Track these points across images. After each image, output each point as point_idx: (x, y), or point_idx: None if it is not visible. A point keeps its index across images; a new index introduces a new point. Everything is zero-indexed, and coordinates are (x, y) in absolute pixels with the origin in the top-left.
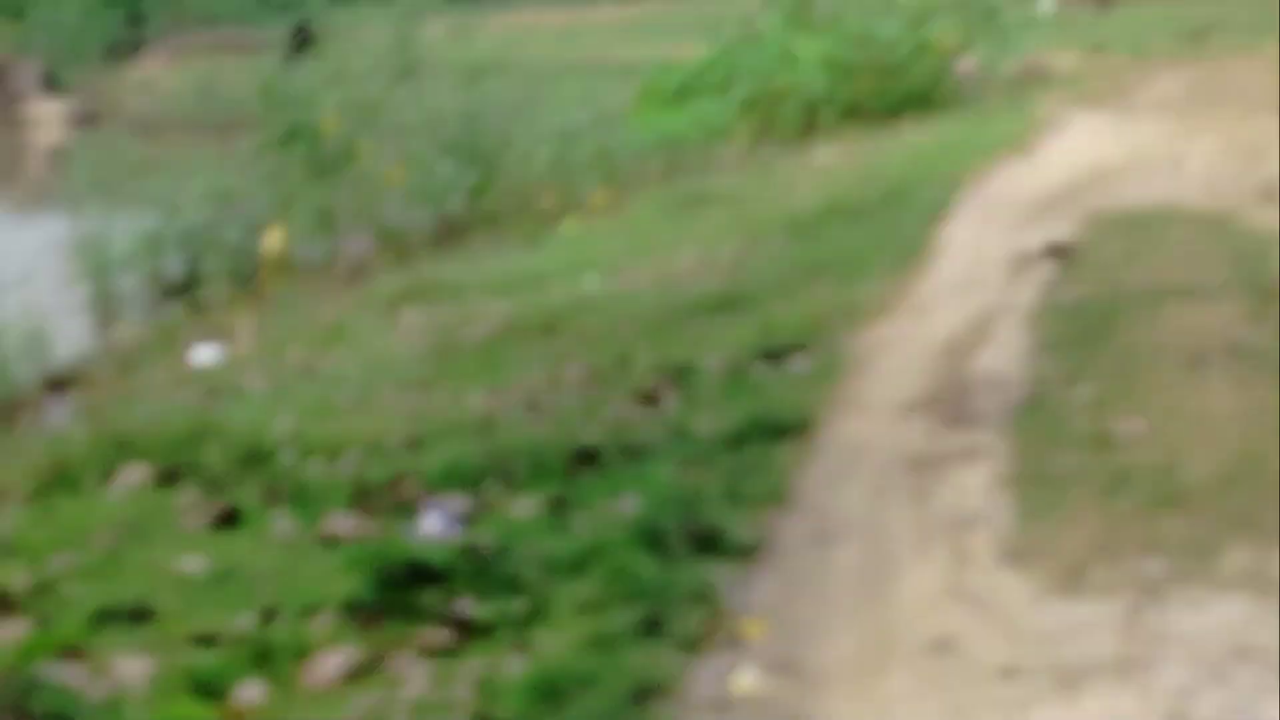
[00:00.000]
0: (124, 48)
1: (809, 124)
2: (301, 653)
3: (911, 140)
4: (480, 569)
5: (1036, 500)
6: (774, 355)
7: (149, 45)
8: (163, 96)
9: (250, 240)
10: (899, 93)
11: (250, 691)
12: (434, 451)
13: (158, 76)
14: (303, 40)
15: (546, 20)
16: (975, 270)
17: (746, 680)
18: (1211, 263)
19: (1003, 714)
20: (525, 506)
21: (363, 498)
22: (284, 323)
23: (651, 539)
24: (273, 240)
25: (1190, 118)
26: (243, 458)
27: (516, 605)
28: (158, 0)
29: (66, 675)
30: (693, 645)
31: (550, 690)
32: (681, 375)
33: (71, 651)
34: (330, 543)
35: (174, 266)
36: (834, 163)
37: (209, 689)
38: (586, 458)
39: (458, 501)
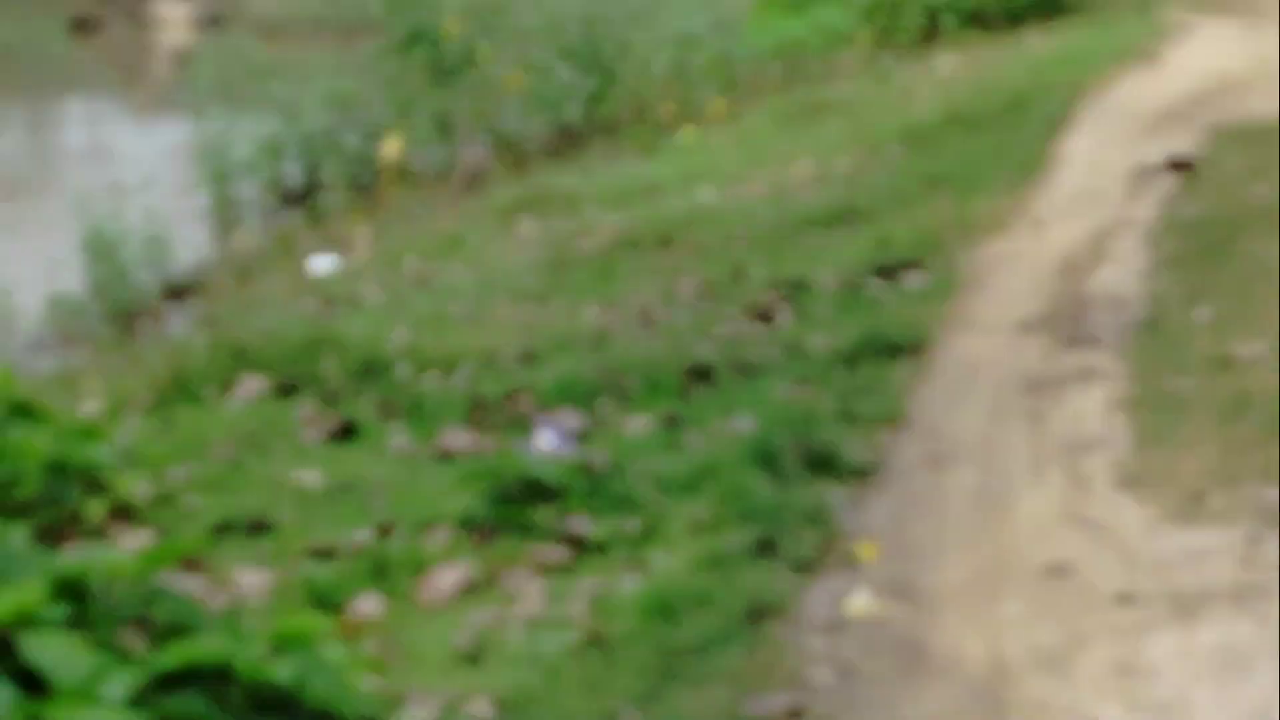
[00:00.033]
0: None
1: (930, 31)
2: (418, 567)
3: (1034, 48)
4: (594, 487)
5: (1155, 424)
6: (889, 271)
7: None
8: None
9: (369, 147)
10: None
11: (368, 604)
12: (548, 367)
13: None
14: None
15: None
16: (1095, 184)
17: (860, 602)
18: None
19: (1119, 640)
20: (639, 424)
21: (477, 413)
22: (401, 232)
23: (765, 459)
24: (391, 147)
25: None
26: (359, 370)
27: (630, 524)
28: None
29: (187, 586)
30: (807, 566)
31: (664, 608)
32: (796, 290)
33: (192, 563)
34: (445, 458)
35: (293, 173)
36: (954, 71)
37: (327, 601)
38: (700, 374)
39: (572, 418)
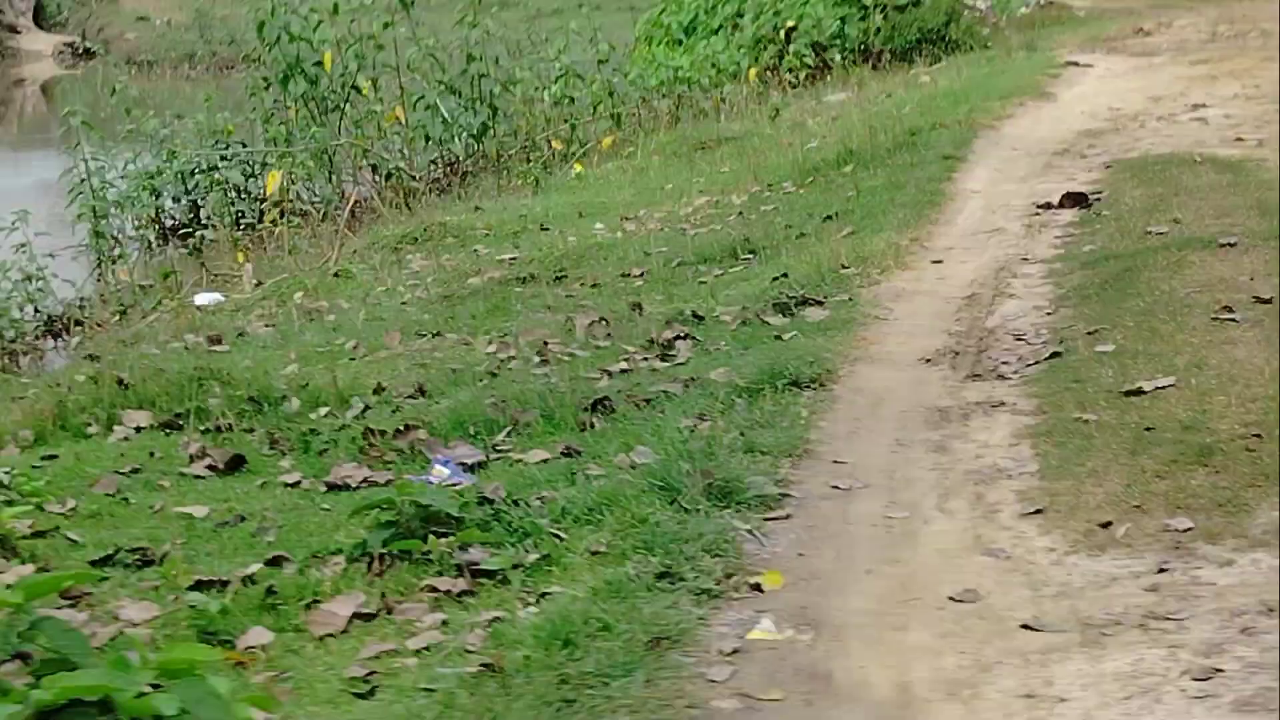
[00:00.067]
0: None
1: (819, 67)
2: (309, 599)
3: (925, 85)
4: (492, 517)
5: (1061, 455)
6: (788, 306)
7: None
8: (158, 31)
9: (250, 182)
10: (912, 33)
11: (257, 637)
12: (442, 400)
13: (153, 9)
14: None
15: None
16: (993, 220)
17: (764, 631)
18: (1236, 211)
19: (1026, 668)
20: (537, 457)
21: (370, 446)
22: (286, 266)
23: (666, 489)
24: (272, 182)
25: (1212, 61)
26: (247, 404)
27: (529, 554)
28: None
29: (69, 619)
30: (710, 595)
31: (563, 637)
32: (694, 325)
33: (73, 595)
34: (338, 490)
35: (173, 208)
36: (845, 107)
37: (215, 634)
38: (599, 408)
39: (468, 451)
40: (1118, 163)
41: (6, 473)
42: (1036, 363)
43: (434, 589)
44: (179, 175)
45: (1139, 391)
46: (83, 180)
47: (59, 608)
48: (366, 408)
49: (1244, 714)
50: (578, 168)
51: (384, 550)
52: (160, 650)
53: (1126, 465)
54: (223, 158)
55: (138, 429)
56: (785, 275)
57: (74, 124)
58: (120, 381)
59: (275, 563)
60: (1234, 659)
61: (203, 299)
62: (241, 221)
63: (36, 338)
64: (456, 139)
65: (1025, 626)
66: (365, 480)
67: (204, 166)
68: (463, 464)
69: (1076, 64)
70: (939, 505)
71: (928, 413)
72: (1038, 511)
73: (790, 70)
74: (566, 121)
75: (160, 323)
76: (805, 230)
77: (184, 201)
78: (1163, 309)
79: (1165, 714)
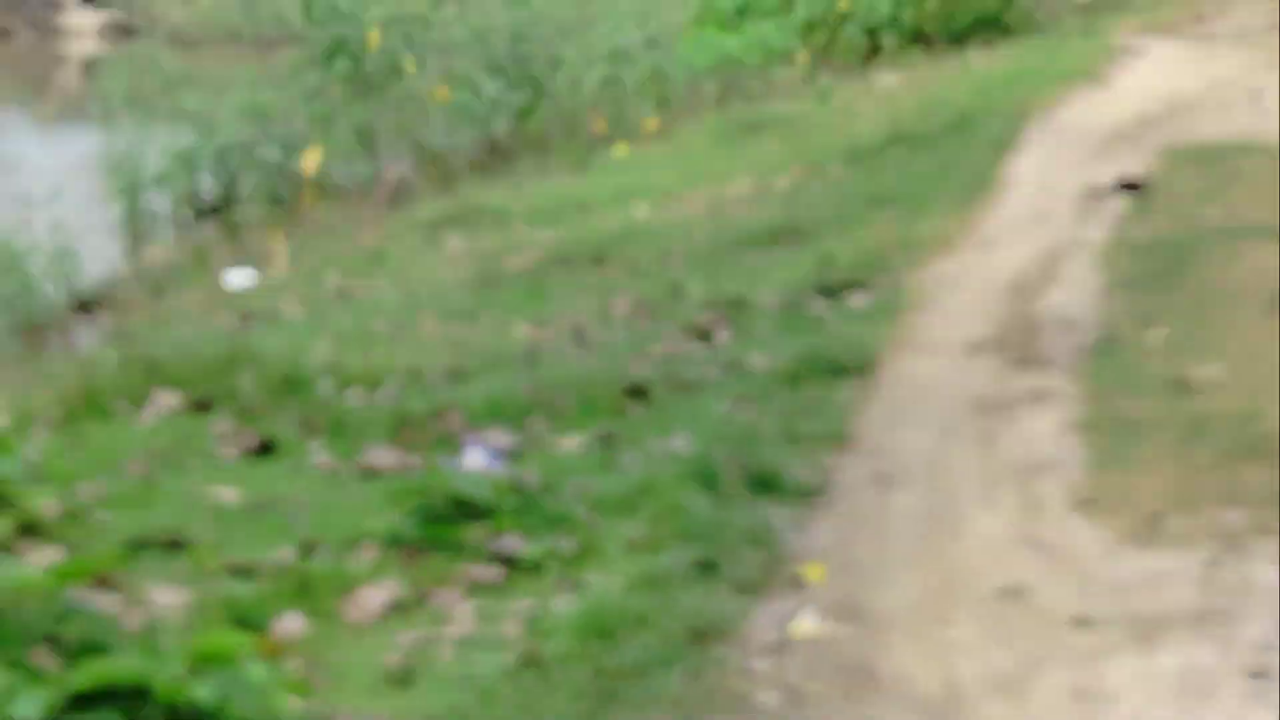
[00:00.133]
0: None
1: (872, 49)
2: (343, 586)
3: (978, 67)
4: (526, 505)
5: (1110, 447)
6: (832, 290)
7: None
8: (203, 9)
9: (288, 160)
10: (966, 17)
11: (290, 624)
12: (477, 384)
13: None
14: None
15: None
16: (1044, 205)
17: (807, 624)
18: None
19: (1075, 665)
20: (572, 443)
21: (403, 430)
22: (321, 246)
23: (705, 478)
24: (311, 160)
25: (1270, 48)
26: (278, 387)
27: (564, 543)
28: None
29: (100, 604)
30: (751, 588)
31: (601, 629)
32: (735, 309)
33: (105, 580)
34: (370, 476)
35: (208, 186)
36: (896, 90)
37: (247, 620)
38: (637, 393)
39: (502, 436)
40: (1172, 149)
41: (35, 455)
42: (1085, 352)
43: (469, 577)
44: (217, 153)
45: (1190, 382)
46: (119, 157)
47: (91, 592)
48: (400, 391)
49: None
50: (621, 149)
51: (417, 537)
52: (194, 637)
53: (1177, 457)
54: (261, 136)
55: (168, 412)
56: (830, 260)
57: (112, 101)
58: (151, 362)
59: (307, 548)
60: None
61: (236, 279)
62: (278, 200)
63: (66, 316)
64: (499, 118)
65: (1074, 622)
66: (398, 465)
67: (241, 144)
68: (497, 449)
69: (1132, 49)
70: (984, 496)
71: (974, 402)
72: (1086, 504)
73: (843, 52)
74: (613, 102)
75: (192, 302)
76: (851, 214)
77: (221, 179)
78: (1215, 299)
79: (1220, 713)
